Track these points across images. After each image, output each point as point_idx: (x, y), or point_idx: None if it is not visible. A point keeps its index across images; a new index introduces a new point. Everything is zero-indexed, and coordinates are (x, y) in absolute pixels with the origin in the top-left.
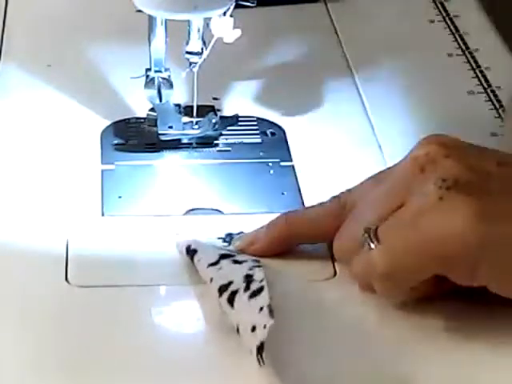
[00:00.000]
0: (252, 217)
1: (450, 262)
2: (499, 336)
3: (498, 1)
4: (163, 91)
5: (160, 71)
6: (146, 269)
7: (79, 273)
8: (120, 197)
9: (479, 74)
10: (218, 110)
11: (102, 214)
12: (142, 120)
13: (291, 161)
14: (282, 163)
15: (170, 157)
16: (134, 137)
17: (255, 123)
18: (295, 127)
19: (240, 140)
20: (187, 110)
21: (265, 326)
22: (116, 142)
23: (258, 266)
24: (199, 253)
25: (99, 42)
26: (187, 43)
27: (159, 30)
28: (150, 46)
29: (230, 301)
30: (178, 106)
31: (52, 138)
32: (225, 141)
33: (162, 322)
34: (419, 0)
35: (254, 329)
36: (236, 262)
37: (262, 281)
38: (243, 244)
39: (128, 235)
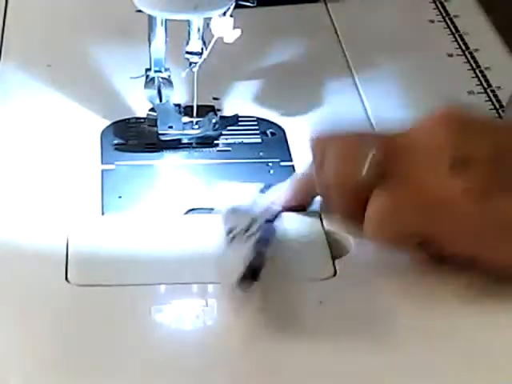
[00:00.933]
0: None
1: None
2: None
3: (497, 1)
4: (163, 91)
5: (160, 71)
6: (145, 268)
7: (79, 272)
8: (120, 197)
9: (479, 74)
10: (218, 110)
11: (102, 214)
12: (142, 120)
13: (291, 161)
14: (282, 163)
15: (170, 157)
16: (133, 137)
17: (255, 123)
18: (295, 127)
19: (240, 140)
20: (187, 110)
21: (261, 254)
22: (116, 141)
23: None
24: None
25: (99, 41)
26: (187, 43)
27: (159, 30)
28: (149, 46)
29: (232, 239)
30: (178, 105)
31: (52, 138)
32: (225, 141)
33: (162, 320)
34: (419, 0)
35: (245, 261)
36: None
37: (260, 225)
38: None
39: (128, 235)
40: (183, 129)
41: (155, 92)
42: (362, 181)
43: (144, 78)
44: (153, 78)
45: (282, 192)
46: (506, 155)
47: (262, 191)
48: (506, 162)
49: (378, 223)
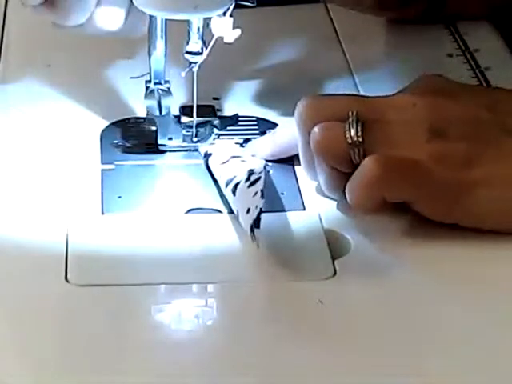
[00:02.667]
0: None
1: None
2: None
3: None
4: (163, 103)
5: (160, 83)
6: (145, 268)
7: (79, 272)
8: (120, 197)
9: (479, 74)
10: (218, 110)
11: (102, 214)
12: (142, 120)
13: (291, 161)
14: (282, 163)
15: (170, 157)
16: (133, 137)
17: (255, 123)
18: None
19: (240, 140)
20: (187, 111)
21: (256, 207)
22: (116, 141)
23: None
24: (214, 155)
25: (99, 41)
26: (187, 43)
27: (159, 43)
28: (149, 58)
29: (233, 191)
30: (178, 117)
31: (52, 138)
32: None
33: (163, 320)
34: None
35: (248, 211)
36: (243, 161)
37: (260, 172)
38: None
39: (128, 235)
40: (183, 141)
41: (155, 104)
42: (346, 144)
43: (144, 77)
44: (153, 90)
45: (263, 145)
46: (483, 123)
47: (242, 146)
48: (482, 129)
49: (364, 190)
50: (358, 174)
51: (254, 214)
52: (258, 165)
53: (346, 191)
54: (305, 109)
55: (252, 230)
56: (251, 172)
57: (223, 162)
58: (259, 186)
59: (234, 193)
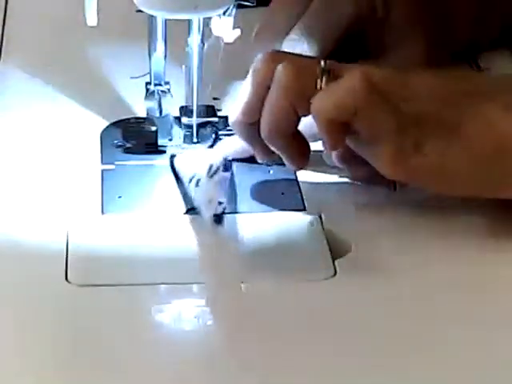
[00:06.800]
0: (252, 217)
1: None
2: None
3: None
4: (163, 104)
5: (160, 84)
6: (145, 268)
7: (79, 272)
8: (120, 197)
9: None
10: (218, 110)
11: (102, 214)
12: (142, 120)
13: None
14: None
15: None
16: (133, 137)
17: None
18: None
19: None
20: (187, 111)
21: (220, 203)
22: (116, 142)
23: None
24: (178, 155)
25: (99, 41)
26: (187, 43)
27: (159, 44)
28: (150, 59)
29: (197, 184)
30: (178, 118)
31: (52, 138)
32: None
33: (163, 320)
34: None
35: (210, 202)
36: (205, 157)
37: (219, 164)
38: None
39: (128, 235)
40: (183, 142)
41: (155, 105)
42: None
43: (144, 77)
44: (153, 92)
45: (228, 144)
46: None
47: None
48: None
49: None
50: (336, 83)
51: (214, 206)
52: (217, 159)
53: (317, 102)
54: (262, 60)
55: (214, 223)
56: (211, 165)
57: (187, 160)
58: (218, 177)
59: (197, 185)
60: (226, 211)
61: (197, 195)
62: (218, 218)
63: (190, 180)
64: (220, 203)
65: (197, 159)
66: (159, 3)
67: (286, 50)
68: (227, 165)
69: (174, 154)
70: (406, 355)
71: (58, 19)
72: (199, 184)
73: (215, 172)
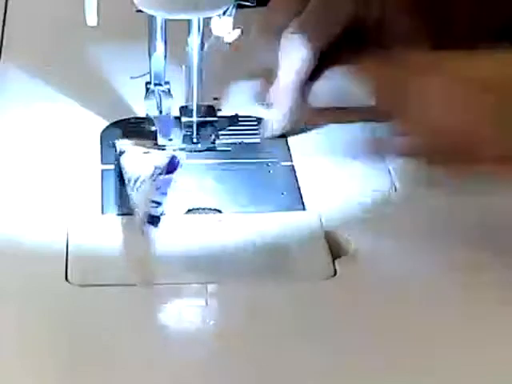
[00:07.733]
0: (252, 217)
1: None
2: None
3: None
4: (163, 104)
5: (160, 84)
6: (145, 268)
7: (79, 272)
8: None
9: None
10: (219, 110)
11: (102, 214)
12: (142, 120)
13: (291, 161)
14: (282, 163)
15: None
16: (134, 137)
17: (255, 123)
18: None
19: (240, 140)
20: (187, 111)
21: (158, 204)
22: (116, 141)
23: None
24: (126, 153)
25: (99, 41)
26: (187, 43)
27: (159, 44)
28: (149, 59)
29: (138, 187)
30: (178, 118)
31: (52, 138)
32: (225, 141)
33: (163, 320)
34: None
35: (147, 201)
36: (152, 157)
37: (163, 167)
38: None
39: (128, 235)
40: (183, 142)
41: (155, 105)
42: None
43: (144, 77)
44: (153, 91)
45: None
46: None
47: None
48: None
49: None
50: None
51: (149, 206)
52: (163, 160)
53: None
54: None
55: (147, 223)
56: (156, 167)
57: (134, 160)
58: (162, 179)
59: (137, 189)
60: (163, 214)
61: (135, 197)
62: (154, 219)
63: (135, 181)
64: (158, 204)
65: (144, 160)
66: (159, 3)
67: (282, 45)
68: (172, 167)
69: (122, 150)
70: (405, 355)
71: (58, 19)
72: (140, 187)
73: (160, 174)
